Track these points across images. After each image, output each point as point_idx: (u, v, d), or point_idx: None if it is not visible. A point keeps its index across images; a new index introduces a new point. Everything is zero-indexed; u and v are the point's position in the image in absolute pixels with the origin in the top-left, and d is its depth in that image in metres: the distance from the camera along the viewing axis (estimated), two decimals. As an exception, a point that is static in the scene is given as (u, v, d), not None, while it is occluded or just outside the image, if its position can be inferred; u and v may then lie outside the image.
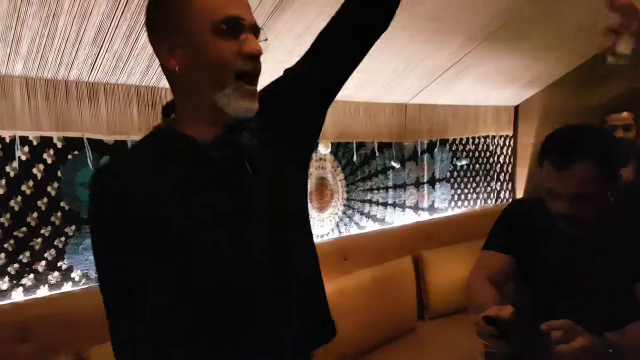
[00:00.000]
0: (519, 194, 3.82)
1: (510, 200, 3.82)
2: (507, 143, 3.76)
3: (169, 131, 0.89)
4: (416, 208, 3.17)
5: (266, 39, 0.88)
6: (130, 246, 0.80)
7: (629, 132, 2.55)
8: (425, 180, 3.19)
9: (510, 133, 3.74)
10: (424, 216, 3.21)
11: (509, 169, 3.81)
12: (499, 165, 3.73)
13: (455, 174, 3.40)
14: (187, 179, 0.84)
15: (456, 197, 3.43)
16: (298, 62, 1.06)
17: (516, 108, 3.71)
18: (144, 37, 1.57)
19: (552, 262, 1.31)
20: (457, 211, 3.42)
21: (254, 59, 0.84)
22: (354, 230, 2.81)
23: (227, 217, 0.85)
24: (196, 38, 0.82)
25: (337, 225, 2.74)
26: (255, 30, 0.86)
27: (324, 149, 2.57)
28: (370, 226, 2.90)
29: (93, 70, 1.67)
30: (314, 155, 2.57)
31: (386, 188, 2.96)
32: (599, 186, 1.18)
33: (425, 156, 3.16)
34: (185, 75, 0.85)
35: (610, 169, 1.19)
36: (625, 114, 2.58)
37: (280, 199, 0.92)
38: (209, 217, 0.83)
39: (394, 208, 3.02)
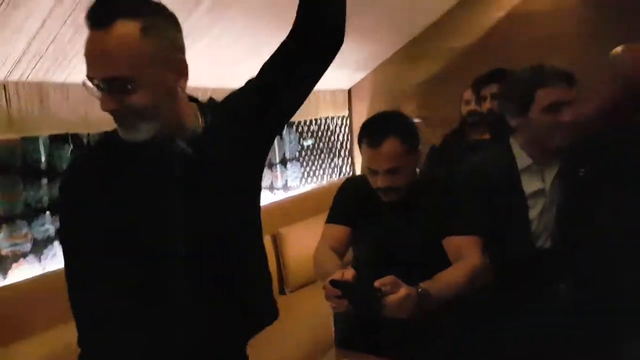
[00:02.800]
0: (358, 168, 4.23)
1: (350, 174, 4.20)
2: (344, 123, 4.11)
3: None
4: (272, 188, 3.28)
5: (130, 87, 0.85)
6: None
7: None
8: (277, 161, 3.32)
9: (346, 114, 4.09)
10: (280, 195, 3.34)
11: (348, 145, 4.18)
12: (339, 143, 4.06)
13: (304, 153, 3.60)
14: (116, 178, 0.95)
15: (306, 174, 3.65)
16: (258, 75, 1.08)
17: (349, 90, 4.07)
18: None
19: (377, 228, 1.55)
20: (307, 187, 3.63)
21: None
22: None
23: (148, 216, 0.95)
24: None
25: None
26: (111, 83, 0.84)
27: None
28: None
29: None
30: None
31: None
32: (405, 160, 1.44)
33: (276, 138, 3.28)
34: None
35: (412, 145, 1.46)
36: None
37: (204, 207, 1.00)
38: (131, 216, 0.94)
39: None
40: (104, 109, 0.86)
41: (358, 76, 3.90)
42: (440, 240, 1.47)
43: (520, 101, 1.48)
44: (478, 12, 3.53)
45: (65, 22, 1.69)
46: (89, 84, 0.85)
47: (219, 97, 1.12)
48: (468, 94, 2.53)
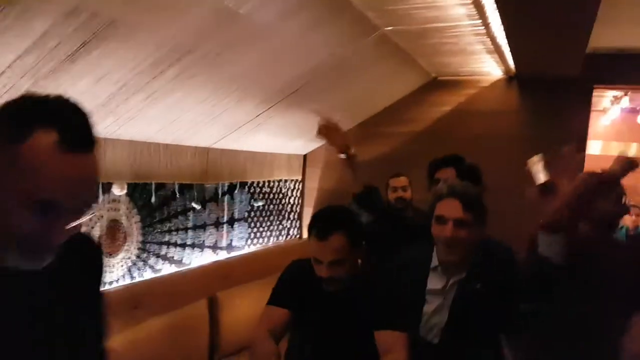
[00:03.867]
0: (305, 231, 4.28)
1: (298, 237, 4.23)
2: (296, 186, 4.19)
3: None
4: (215, 247, 3.24)
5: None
6: None
7: (406, 193, 2.83)
8: (225, 220, 3.30)
9: (300, 177, 4.19)
10: (222, 255, 3.30)
11: (298, 209, 4.25)
12: (289, 206, 4.11)
13: (252, 214, 3.62)
14: None
15: (252, 235, 3.64)
16: None
17: (305, 156, 4.19)
18: None
19: (315, 315, 1.61)
20: (252, 249, 3.62)
21: None
22: (148, 275, 2.71)
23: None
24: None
25: (130, 271, 2.60)
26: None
27: (118, 190, 2.45)
28: (166, 269, 2.84)
29: None
30: (106, 196, 2.42)
31: (185, 229, 2.96)
32: (349, 253, 1.52)
33: (226, 197, 3.29)
34: None
35: (356, 241, 1.55)
36: (402, 178, 2.87)
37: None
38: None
39: (193, 249, 3.03)
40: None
41: (313, 145, 4.04)
42: (371, 332, 1.52)
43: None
44: (425, 105, 3.85)
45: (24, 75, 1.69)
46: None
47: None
48: (395, 182, 2.83)
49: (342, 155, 2.12)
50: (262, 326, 1.56)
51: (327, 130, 2.13)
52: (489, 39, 2.75)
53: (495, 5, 2.16)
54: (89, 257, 0.98)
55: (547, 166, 1.87)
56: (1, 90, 1.70)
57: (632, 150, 6.94)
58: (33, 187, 0.72)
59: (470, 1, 2.19)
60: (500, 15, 2.25)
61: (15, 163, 0.72)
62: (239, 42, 2.14)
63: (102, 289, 1.03)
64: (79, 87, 1.86)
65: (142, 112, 2.22)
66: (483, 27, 2.53)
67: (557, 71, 3.28)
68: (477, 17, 2.38)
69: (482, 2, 2.22)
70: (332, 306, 1.58)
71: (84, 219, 0.78)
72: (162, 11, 1.77)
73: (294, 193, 4.18)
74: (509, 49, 2.85)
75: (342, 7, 2.25)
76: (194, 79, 2.20)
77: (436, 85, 3.84)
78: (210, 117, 2.60)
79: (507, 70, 3.48)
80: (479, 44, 2.87)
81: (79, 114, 0.77)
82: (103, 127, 2.17)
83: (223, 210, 3.29)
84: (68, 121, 0.75)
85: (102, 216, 2.42)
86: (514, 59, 3.10)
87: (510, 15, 2.26)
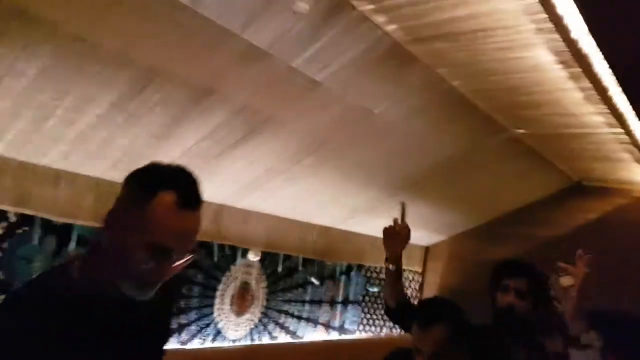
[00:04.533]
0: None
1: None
2: (415, 278, 4.17)
3: None
4: (328, 326, 3.37)
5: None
6: None
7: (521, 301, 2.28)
8: (339, 300, 3.45)
9: (420, 269, 4.18)
10: (334, 335, 3.40)
11: (415, 302, 4.18)
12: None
13: (367, 298, 3.70)
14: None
15: (365, 320, 3.69)
16: None
17: (427, 248, 4.20)
18: (117, 134, 1.82)
19: None
20: (364, 335, 3.65)
21: None
22: (265, 340, 2.94)
23: None
24: None
25: (251, 333, 2.87)
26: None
27: (253, 255, 2.80)
28: (282, 338, 3.04)
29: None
30: (242, 260, 2.78)
31: (303, 302, 3.17)
32: (450, 346, 1.56)
33: (343, 277, 3.46)
34: None
35: (458, 334, 1.56)
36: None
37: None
38: None
39: (307, 322, 3.21)
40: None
41: (436, 238, 4.06)
42: None
43: None
44: (566, 209, 3.61)
45: None
46: None
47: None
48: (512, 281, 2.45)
49: (391, 267, 2.10)
50: None
51: (394, 231, 2.10)
52: (635, 148, 2.62)
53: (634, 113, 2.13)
54: (173, 294, 1.25)
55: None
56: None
57: None
58: (154, 234, 0.94)
59: (608, 110, 2.18)
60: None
61: (142, 215, 0.95)
62: (368, 136, 2.43)
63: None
64: (236, 167, 2.30)
65: (281, 191, 2.60)
66: (626, 136, 2.45)
67: None
68: (617, 125, 2.33)
69: (621, 111, 2.18)
70: None
71: (184, 263, 1.04)
72: (307, 109, 2.15)
73: (413, 285, 4.16)
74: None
75: (469, 108, 2.39)
76: (325, 165, 2.52)
77: (580, 190, 3.60)
78: (336, 200, 2.89)
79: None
80: (625, 152, 2.74)
81: (191, 180, 1.00)
82: (249, 201, 2.58)
83: (339, 289, 3.45)
84: (184, 185, 0.98)
85: (237, 277, 2.77)
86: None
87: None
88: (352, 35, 1.81)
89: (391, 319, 2.16)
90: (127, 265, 0.95)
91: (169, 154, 2.05)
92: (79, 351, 0.94)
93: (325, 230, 3.20)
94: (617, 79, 1.93)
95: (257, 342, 2.88)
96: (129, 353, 1.03)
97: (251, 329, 2.87)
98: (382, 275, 3.83)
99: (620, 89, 2.01)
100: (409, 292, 4.09)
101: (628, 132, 2.41)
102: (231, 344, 2.72)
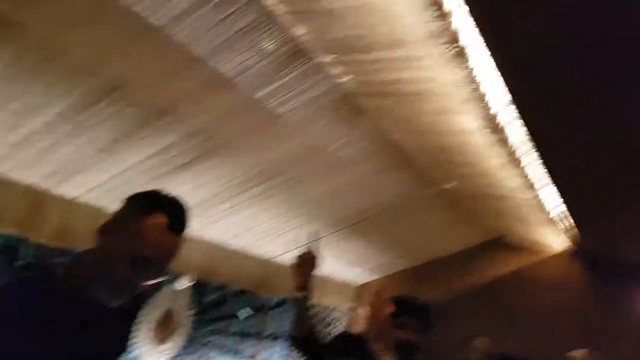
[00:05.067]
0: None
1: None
2: (345, 315, 4.21)
3: None
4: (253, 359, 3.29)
5: None
6: None
7: None
8: (266, 334, 3.40)
9: (351, 305, 4.23)
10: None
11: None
12: (336, 333, 4.10)
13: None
14: None
15: (293, 357, 3.64)
16: None
17: (361, 286, 4.27)
18: (61, 143, 1.75)
19: None
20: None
21: None
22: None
23: None
24: None
25: (173, 362, 2.75)
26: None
27: (182, 283, 2.72)
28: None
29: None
30: (170, 286, 2.69)
31: (231, 334, 3.09)
32: None
33: (274, 311, 3.43)
34: None
35: None
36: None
37: None
38: None
39: (234, 354, 3.12)
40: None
41: (370, 277, 4.16)
42: None
43: None
44: (486, 261, 3.90)
45: None
46: None
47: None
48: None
49: (299, 294, 1.99)
50: None
51: (304, 261, 2.00)
52: (548, 211, 2.90)
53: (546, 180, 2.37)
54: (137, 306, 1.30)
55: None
56: (122, 183, 2.13)
57: None
58: (142, 247, 1.07)
59: (524, 176, 2.41)
60: (558, 190, 2.44)
61: (135, 229, 1.08)
62: (318, 173, 2.50)
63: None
64: (180, 190, 2.24)
65: (224, 219, 2.57)
66: (540, 200, 2.71)
67: (622, 255, 3.26)
68: (531, 190, 2.58)
69: (532, 179, 2.43)
70: None
71: (157, 281, 1.10)
72: (263, 140, 2.19)
73: (342, 322, 4.19)
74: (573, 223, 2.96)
75: (407, 160, 2.56)
76: (272, 197, 2.55)
77: (501, 245, 3.89)
78: (278, 233, 2.89)
79: (573, 243, 3.52)
80: (538, 216, 3.01)
81: (182, 208, 1.15)
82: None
83: (268, 323, 3.40)
84: (176, 211, 1.13)
85: (161, 304, 2.66)
86: (580, 234, 3.17)
87: (569, 189, 2.44)
88: (311, 79, 1.94)
89: (296, 348, 2.12)
90: (111, 272, 1.07)
91: (112, 168, 1.99)
92: (47, 341, 1.05)
93: (263, 263, 3.18)
94: (535, 148, 2.18)
95: (178, 372, 2.76)
96: (90, 352, 1.12)
97: (172, 359, 2.74)
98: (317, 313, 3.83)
99: (535, 156, 2.26)
100: (338, 327, 4.12)
101: (538, 197, 2.68)
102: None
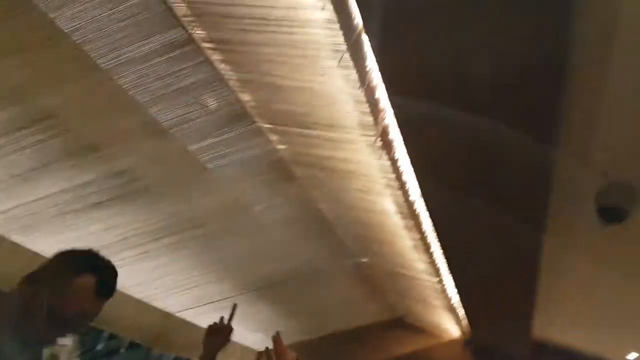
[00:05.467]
0: None
1: None
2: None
3: None
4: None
5: None
6: None
7: None
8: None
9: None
10: None
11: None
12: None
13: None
14: None
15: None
16: None
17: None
18: None
19: None
20: None
21: None
22: None
23: None
24: None
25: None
26: None
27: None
28: None
29: None
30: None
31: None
32: None
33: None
34: None
35: None
36: None
37: None
38: None
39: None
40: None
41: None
42: None
43: None
44: (386, 339, 4.01)
45: None
46: None
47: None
48: None
49: None
50: None
51: (217, 329, 1.88)
52: (450, 297, 3.10)
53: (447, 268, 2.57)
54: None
55: None
56: (28, 213, 1.99)
57: None
58: (65, 306, 1.06)
59: (429, 261, 2.60)
60: (454, 278, 2.64)
61: (61, 288, 1.07)
62: (238, 231, 2.50)
63: None
64: (90, 229, 2.16)
65: (129, 265, 2.45)
66: (443, 285, 2.90)
67: (507, 349, 3.54)
68: (435, 275, 2.77)
69: (438, 264, 2.63)
70: None
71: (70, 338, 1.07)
72: (188, 191, 2.18)
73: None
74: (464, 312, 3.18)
75: (328, 230, 2.66)
76: (185, 250, 2.49)
77: (402, 325, 4.05)
78: (185, 287, 2.80)
79: (463, 333, 3.74)
80: (439, 300, 3.21)
81: (114, 273, 1.14)
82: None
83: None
84: (106, 276, 1.12)
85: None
86: (467, 325, 3.40)
87: (462, 282, 2.65)
88: (248, 141, 2.01)
89: None
90: (27, 322, 1.05)
91: (22, 197, 1.87)
92: None
93: (164, 316, 3.02)
94: (437, 236, 2.39)
95: None
96: None
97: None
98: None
99: (438, 245, 2.47)
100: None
101: (441, 283, 2.88)
102: None
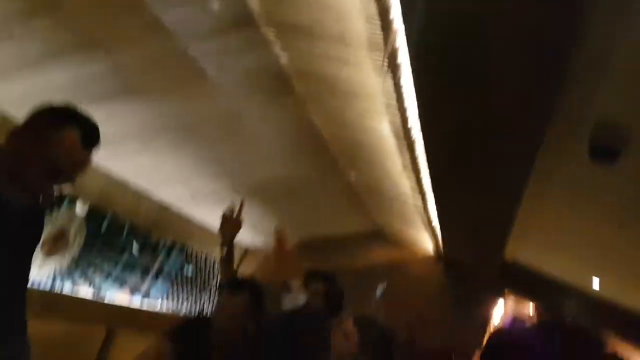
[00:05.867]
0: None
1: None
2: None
3: None
4: (134, 290, 3.37)
5: None
6: None
7: None
8: (153, 271, 3.47)
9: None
10: (137, 299, 3.41)
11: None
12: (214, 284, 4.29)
13: (180, 277, 3.80)
14: None
15: (171, 295, 3.76)
16: None
17: (245, 250, 4.46)
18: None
19: None
20: (165, 307, 3.72)
21: None
22: (67, 287, 2.83)
23: None
24: None
25: (54, 278, 2.75)
26: None
27: (81, 208, 2.69)
28: (83, 291, 2.96)
29: None
30: (68, 208, 2.62)
31: (117, 262, 3.11)
32: (250, 308, 1.84)
33: (163, 252, 3.51)
34: None
35: (257, 301, 1.87)
36: None
37: None
38: None
39: (115, 282, 3.16)
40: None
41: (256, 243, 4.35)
42: None
43: None
44: (366, 248, 4.29)
45: None
46: None
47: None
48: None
49: (224, 250, 2.15)
50: None
51: (226, 220, 2.14)
52: (426, 217, 3.27)
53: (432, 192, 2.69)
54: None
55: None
56: (35, 99, 2.02)
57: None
58: (55, 157, 1.13)
59: (416, 182, 2.71)
60: (436, 201, 2.77)
61: (48, 140, 1.13)
62: (233, 136, 2.59)
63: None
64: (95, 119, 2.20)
65: (131, 157, 2.57)
66: (421, 204, 3.05)
67: (477, 268, 3.82)
68: (419, 196, 2.90)
69: (425, 187, 2.75)
70: None
71: (63, 190, 1.19)
72: (188, 92, 2.20)
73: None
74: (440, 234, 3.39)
75: (322, 146, 2.73)
76: (182, 149, 2.60)
77: (382, 236, 4.30)
78: (182, 181, 2.97)
79: (437, 250, 4.01)
80: (419, 218, 3.39)
81: (94, 125, 1.19)
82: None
83: (155, 262, 3.48)
84: (88, 127, 1.17)
85: (57, 221, 2.62)
86: (443, 243, 3.63)
87: (442, 205, 2.79)
88: (250, 48, 2.00)
89: (222, 291, 2.27)
90: (22, 172, 1.13)
91: (29, 81, 1.89)
92: None
93: (163, 207, 3.21)
94: (427, 159, 2.47)
95: (58, 287, 2.76)
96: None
97: (54, 274, 2.74)
98: (201, 261, 3.96)
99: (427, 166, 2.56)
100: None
101: (424, 204, 3.02)
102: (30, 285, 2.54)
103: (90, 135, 1.17)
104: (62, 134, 1.13)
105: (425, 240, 3.91)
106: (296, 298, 2.83)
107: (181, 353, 1.82)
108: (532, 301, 4.70)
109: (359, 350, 1.79)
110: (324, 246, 4.29)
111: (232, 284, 1.94)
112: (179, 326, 1.92)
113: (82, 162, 1.17)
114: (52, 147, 1.12)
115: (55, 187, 1.19)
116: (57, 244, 2.69)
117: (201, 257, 3.96)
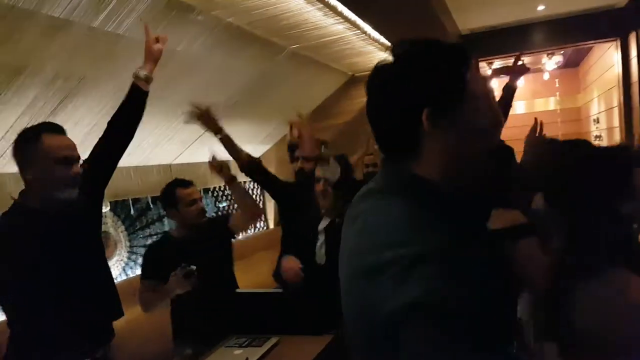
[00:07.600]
0: (272, 224, 4.95)
1: (265, 227, 4.89)
2: (255, 185, 4.83)
3: None
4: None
5: None
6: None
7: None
8: (195, 222, 3.93)
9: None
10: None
11: (260, 205, 4.90)
12: (252, 203, 4.77)
13: (220, 214, 4.25)
14: None
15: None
16: None
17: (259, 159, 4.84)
18: None
19: None
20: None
21: None
22: (138, 271, 3.32)
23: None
24: None
25: (124, 270, 3.22)
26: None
27: (102, 207, 3.06)
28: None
29: None
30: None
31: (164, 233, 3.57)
32: None
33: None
34: None
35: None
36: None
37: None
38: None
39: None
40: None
41: (264, 147, 4.71)
42: None
43: None
44: (347, 99, 4.57)
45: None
46: None
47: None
48: None
49: (219, 136, 2.43)
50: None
51: (201, 116, 2.35)
52: (375, 42, 3.50)
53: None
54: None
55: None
56: (6, 146, 2.31)
57: (552, 104, 7.90)
58: (53, 153, 1.49)
59: (343, 20, 2.92)
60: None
61: (38, 149, 1.48)
62: (177, 74, 2.80)
63: None
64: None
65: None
66: (364, 35, 3.27)
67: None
68: (355, 28, 3.12)
69: (353, 19, 2.95)
70: None
71: (80, 164, 1.55)
72: (114, 64, 2.41)
73: (255, 192, 4.83)
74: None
75: (251, 38, 2.93)
76: (148, 109, 2.83)
77: (354, 81, 4.56)
78: (167, 138, 3.24)
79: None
80: (370, 46, 3.62)
81: (57, 126, 1.58)
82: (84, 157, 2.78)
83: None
84: (53, 127, 1.57)
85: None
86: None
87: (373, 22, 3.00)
88: None
89: (246, 174, 2.63)
90: (48, 178, 1.50)
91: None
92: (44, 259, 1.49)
93: (165, 168, 3.55)
94: None
95: (131, 275, 3.25)
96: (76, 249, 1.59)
97: (123, 267, 3.21)
98: (227, 191, 4.40)
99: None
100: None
101: (364, 32, 3.23)
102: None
103: (54, 127, 1.56)
104: (42, 139, 1.49)
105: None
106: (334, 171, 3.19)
107: None
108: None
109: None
110: (318, 118, 4.55)
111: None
112: None
113: (67, 144, 1.55)
114: (43, 150, 1.47)
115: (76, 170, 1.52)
116: (108, 248, 3.11)
117: (226, 189, 4.38)
